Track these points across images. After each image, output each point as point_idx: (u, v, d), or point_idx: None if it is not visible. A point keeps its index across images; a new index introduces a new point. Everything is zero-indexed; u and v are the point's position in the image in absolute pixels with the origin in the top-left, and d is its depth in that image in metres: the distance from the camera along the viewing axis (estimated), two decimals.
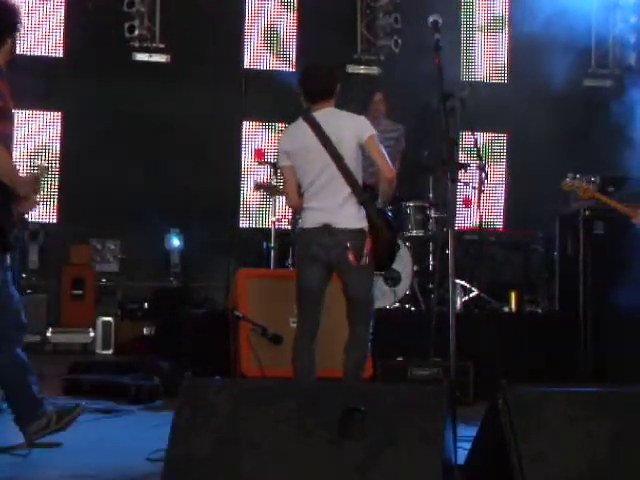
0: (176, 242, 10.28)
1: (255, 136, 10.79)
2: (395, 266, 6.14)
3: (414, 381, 6.45)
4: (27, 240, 9.70)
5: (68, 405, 4.94)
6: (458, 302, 7.76)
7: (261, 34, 10.80)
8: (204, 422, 3.44)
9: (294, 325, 6.34)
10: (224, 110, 10.09)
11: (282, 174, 5.13)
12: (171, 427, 3.45)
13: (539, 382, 6.22)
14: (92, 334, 9.40)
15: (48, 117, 10.36)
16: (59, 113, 10.38)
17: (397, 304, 7.62)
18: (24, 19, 4.99)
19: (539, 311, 8.61)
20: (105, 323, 9.38)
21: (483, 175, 8.25)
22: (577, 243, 7.44)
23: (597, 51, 11.48)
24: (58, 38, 10.32)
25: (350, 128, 4.90)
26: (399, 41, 10.72)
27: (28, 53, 10.24)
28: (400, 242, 5.95)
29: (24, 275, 9.47)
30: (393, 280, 7.50)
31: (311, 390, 3.70)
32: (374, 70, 10.92)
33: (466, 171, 8.24)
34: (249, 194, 10.64)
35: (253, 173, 10.60)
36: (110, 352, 9.32)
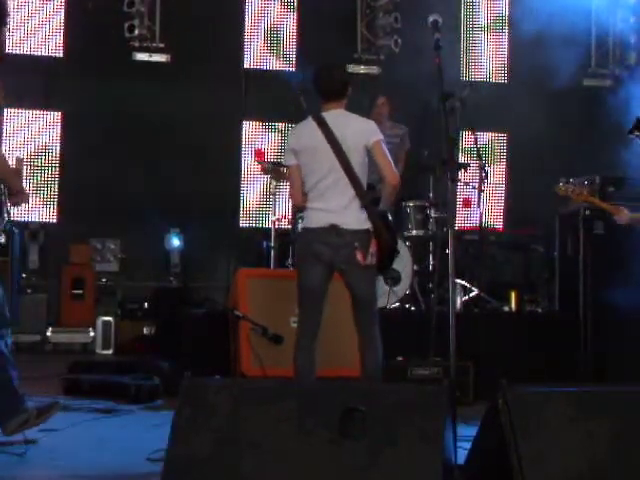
0: (176, 242, 10.27)
1: (255, 136, 10.78)
2: (395, 266, 6.15)
3: (414, 381, 6.46)
4: (27, 240, 9.71)
5: (46, 401, 4.99)
6: (458, 302, 7.76)
7: (261, 34, 10.80)
8: (204, 422, 3.44)
9: (294, 325, 6.34)
10: (224, 110, 10.09)
11: (288, 172, 5.15)
12: (171, 427, 3.45)
13: (539, 382, 6.21)
14: (92, 334, 9.40)
15: (48, 117, 10.35)
16: (59, 113, 10.38)
17: (397, 304, 7.63)
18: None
19: (539, 311, 8.61)
20: (105, 323, 9.38)
21: (483, 175, 8.26)
22: (577, 243, 7.43)
23: (597, 51, 11.49)
24: (58, 38, 10.31)
25: (358, 131, 4.94)
26: (399, 41, 10.71)
27: (28, 53, 10.25)
28: (400, 243, 5.96)
29: (24, 275, 9.48)
30: (393, 280, 7.51)
31: (311, 390, 3.70)
32: (374, 70, 10.91)
33: (466, 171, 8.24)
34: (249, 194, 10.64)
35: (253, 173, 10.60)
36: (110, 352, 9.32)
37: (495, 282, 8.87)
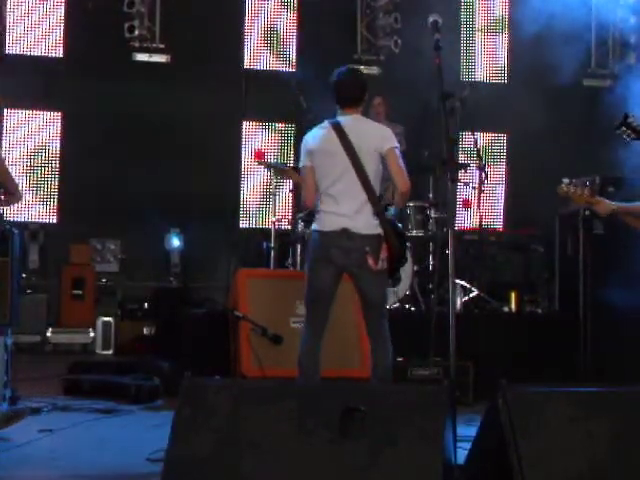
0: (176, 242, 10.28)
1: (255, 136, 10.79)
2: None
3: (414, 381, 6.46)
4: (27, 240, 9.70)
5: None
6: (458, 302, 7.76)
7: (261, 34, 10.80)
8: (204, 422, 3.44)
9: (294, 325, 6.38)
10: (224, 110, 10.09)
11: (303, 173, 5.19)
12: (171, 427, 3.45)
13: (539, 382, 6.21)
14: (92, 334, 9.39)
15: (48, 117, 10.35)
16: (59, 113, 10.38)
17: (397, 304, 7.62)
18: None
19: (539, 311, 8.61)
20: (105, 323, 9.38)
21: (483, 175, 8.25)
22: (577, 243, 7.44)
23: (597, 51, 11.49)
24: (58, 38, 10.32)
25: (373, 137, 4.99)
26: (399, 41, 10.72)
27: (28, 53, 10.25)
28: (407, 254, 6.00)
29: (24, 275, 9.47)
30: (393, 280, 7.50)
31: (311, 390, 3.70)
32: (374, 70, 10.91)
33: (466, 171, 8.24)
34: (249, 194, 10.65)
35: (253, 173, 10.60)
36: (110, 352, 9.32)
37: (495, 282, 8.87)
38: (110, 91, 10.09)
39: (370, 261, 4.86)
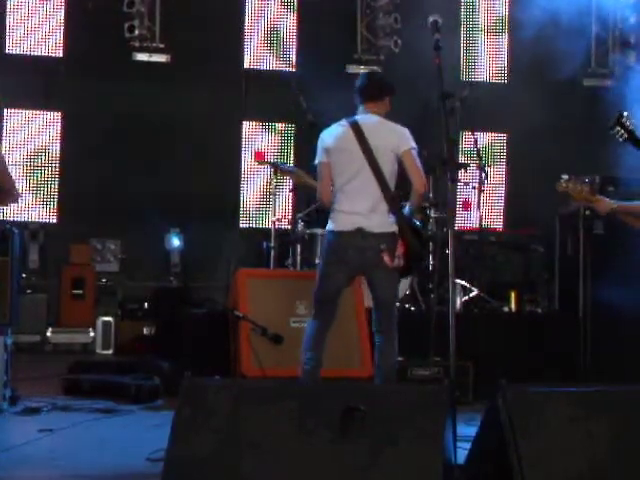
0: (176, 242, 10.28)
1: (255, 136, 10.78)
2: None
3: (414, 381, 6.45)
4: (27, 240, 9.70)
5: None
6: (458, 302, 7.76)
7: (261, 34, 10.80)
8: (204, 422, 3.44)
9: (294, 325, 6.38)
10: (224, 110, 10.09)
11: (319, 170, 5.23)
12: (171, 427, 3.45)
13: (539, 382, 6.21)
14: (92, 334, 9.39)
15: (48, 117, 10.35)
16: (59, 113, 10.38)
17: (397, 304, 7.61)
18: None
19: (539, 311, 8.61)
20: (105, 323, 9.38)
21: (483, 175, 8.25)
22: (577, 243, 7.43)
23: (597, 50, 11.48)
24: (58, 38, 10.31)
25: (390, 137, 5.05)
26: (399, 41, 10.72)
27: (28, 53, 10.25)
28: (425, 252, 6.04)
29: (24, 275, 9.47)
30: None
31: (311, 390, 3.70)
32: (374, 70, 10.89)
33: (466, 171, 8.24)
34: (249, 194, 10.65)
35: (253, 173, 10.60)
36: (110, 352, 9.32)
37: (495, 282, 8.87)
38: (110, 91, 10.09)
39: (386, 258, 4.90)
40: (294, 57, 10.80)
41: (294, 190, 8.41)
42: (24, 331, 8.90)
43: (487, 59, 11.37)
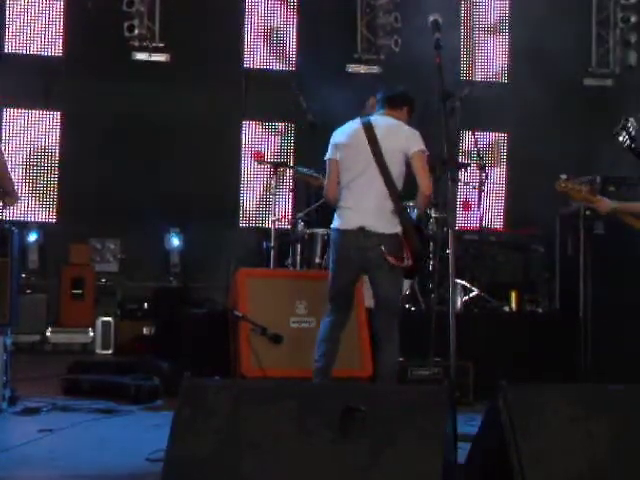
0: (176, 242, 10.27)
1: (255, 136, 10.77)
2: None
3: (414, 381, 6.45)
4: (27, 240, 9.70)
5: None
6: (458, 302, 7.75)
7: (261, 34, 10.79)
8: (204, 422, 3.43)
9: (294, 325, 6.39)
10: (224, 110, 10.08)
11: (328, 166, 5.27)
12: (171, 427, 3.45)
13: (539, 382, 6.21)
14: (92, 334, 9.39)
15: (48, 117, 10.34)
16: (59, 113, 10.37)
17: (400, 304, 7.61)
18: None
19: (539, 311, 8.60)
20: (105, 323, 9.37)
21: (483, 175, 8.25)
22: (577, 243, 7.43)
23: (597, 50, 11.47)
24: (58, 38, 10.30)
25: (400, 138, 5.10)
26: (399, 40, 10.71)
27: (28, 53, 10.24)
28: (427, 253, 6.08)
29: (24, 275, 9.46)
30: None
31: (311, 390, 3.70)
32: (374, 69, 10.90)
33: (466, 171, 8.23)
34: (249, 194, 10.64)
35: (253, 173, 10.60)
36: (110, 352, 9.31)
37: (495, 282, 8.86)
38: (110, 91, 10.08)
39: (392, 259, 4.91)
40: (294, 57, 10.79)
41: (294, 190, 8.41)
42: (24, 331, 8.90)
43: (488, 59, 11.35)
